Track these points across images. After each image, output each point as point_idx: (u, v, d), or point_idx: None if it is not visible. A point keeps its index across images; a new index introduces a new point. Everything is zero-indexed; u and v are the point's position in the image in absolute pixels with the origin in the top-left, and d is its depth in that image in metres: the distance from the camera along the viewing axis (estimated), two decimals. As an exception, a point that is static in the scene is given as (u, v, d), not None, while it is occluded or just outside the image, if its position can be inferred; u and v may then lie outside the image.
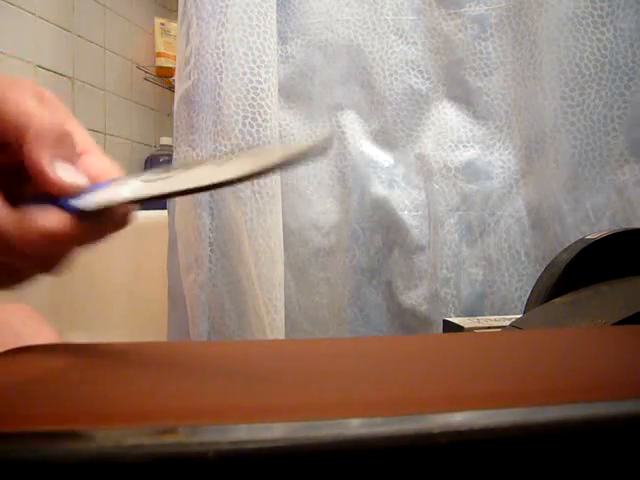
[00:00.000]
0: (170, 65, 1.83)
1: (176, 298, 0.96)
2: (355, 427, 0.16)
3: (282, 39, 0.98)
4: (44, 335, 0.36)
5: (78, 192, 0.25)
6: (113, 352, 0.26)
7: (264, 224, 0.88)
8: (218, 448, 0.15)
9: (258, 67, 0.89)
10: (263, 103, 0.89)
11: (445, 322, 0.68)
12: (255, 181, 0.88)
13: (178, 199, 0.95)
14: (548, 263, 0.56)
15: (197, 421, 0.17)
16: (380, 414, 0.17)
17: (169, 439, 0.16)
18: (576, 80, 0.84)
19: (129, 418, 0.17)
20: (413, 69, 0.95)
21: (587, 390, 0.20)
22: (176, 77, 0.97)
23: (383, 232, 0.95)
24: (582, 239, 0.54)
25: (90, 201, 0.25)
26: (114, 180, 0.28)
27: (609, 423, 0.17)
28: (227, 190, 0.89)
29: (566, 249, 0.55)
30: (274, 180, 0.90)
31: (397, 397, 0.19)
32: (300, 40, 0.98)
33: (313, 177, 0.98)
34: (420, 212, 0.94)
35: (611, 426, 0.17)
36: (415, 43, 0.95)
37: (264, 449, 0.15)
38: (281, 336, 0.88)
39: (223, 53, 0.89)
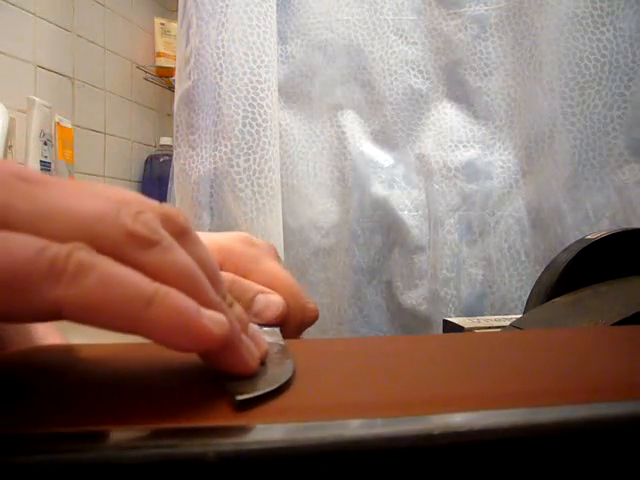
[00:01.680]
0: (170, 65, 1.83)
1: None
2: (355, 428, 0.16)
3: (282, 39, 0.98)
4: (50, 338, 0.37)
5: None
6: (115, 354, 0.26)
7: (264, 224, 0.88)
8: (218, 449, 0.15)
9: (258, 67, 0.89)
10: (263, 103, 0.89)
11: (445, 322, 0.68)
12: (255, 181, 0.89)
13: (177, 199, 0.95)
14: (548, 263, 0.56)
15: (196, 422, 0.17)
16: (379, 415, 0.17)
17: (168, 440, 0.16)
18: (576, 80, 0.84)
19: (128, 420, 0.17)
20: (413, 69, 0.95)
21: (587, 391, 0.20)
22: (176, 77, 0.98)
23: (383, 232, 0.95)
24: (582, 239, 0.54)
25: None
26: None
27: (609, 424, 0.17)
28: (227, 190, 0.89)
29: (566, 249, 0.55)
30: (274, 180, 0.90)
31: (396, 398, 0.19)
32: (300, 40, 0.98)
33: (313, 177, 0.98)
34: (420, 212, 0.94)
35: (612, 427, 0.17)
36: (415, 43, 0.95)
37: (264, 450, 0.15)
38: (281, 336, 0.88)
39: (223, 53, 0.89)
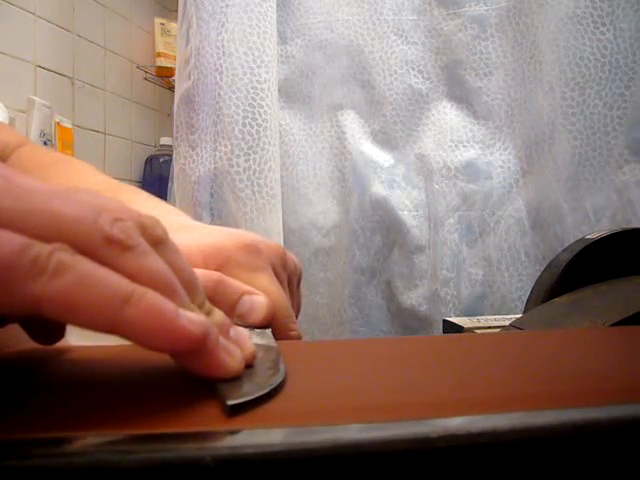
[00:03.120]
0: (170, 65, 1.83)
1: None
2: (353, 432, 0.16)
3: (282, 39, 0.98)
4: None
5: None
6: (112, 356, 0.26)
7: (264, 224, 0.88)
8: (216, 453, 0.15)
9: (258, 67, 0.89)
10: (263, 103, 0.89)
11: (445, 322, 0.68)
12: (255, 181, 0.89)
13: (177, 199, 0.95)
14: (548, 263, 0.56)
15: (194, 426, 0.17)
16: (378, 419, 0.17)
17: (166, 445, 0.16)
18: (576, 80, 0.84)
19: (124, 425, 0.17)
20: (413, 69, 0.95)
21: (586, 393, 0.20)
22: (176, 77, 0.98)
23: (383, 232, 0.95)
24: (582, 239, 0.54)
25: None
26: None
27: (608, 427, 0.17)
28: (227, 190, 0.89)
29: (566, 249, 0.55)
30: (274, 180, 0.90)
31: (395, 401, 0.19)
32: (300, 40, 0.98)
33: (313, 177, 0.98)
34: (420, 212, 0.94)
35: (610, 430, 0.17)
36: (415, 43, 0.95)
37: (262, 454, 0.15)
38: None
39: (223, 53, 0.89)
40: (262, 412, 0.18)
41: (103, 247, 0.19)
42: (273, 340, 0.28)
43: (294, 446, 0.15)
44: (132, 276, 0.19)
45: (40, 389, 0.22)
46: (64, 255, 0.18)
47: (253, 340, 0.24)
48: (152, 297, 0.19)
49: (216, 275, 0.32)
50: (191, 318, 0.19)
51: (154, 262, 0.20)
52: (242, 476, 0.15)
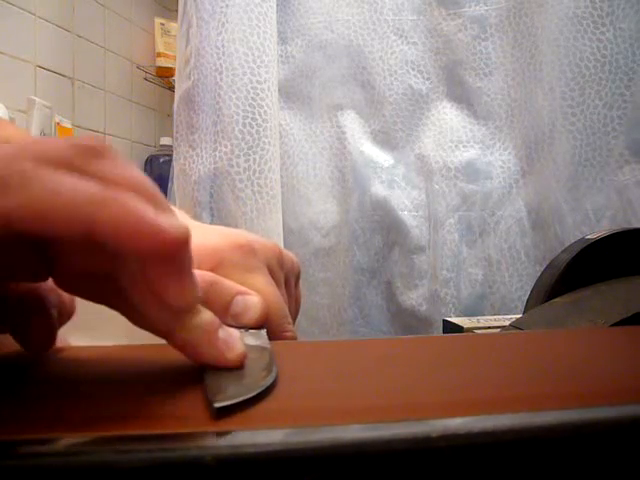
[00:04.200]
0: (170, 65, 1.83)
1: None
2: (353, 432, 0.16)
3: (282, 39, 0.98)
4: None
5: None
6: (110, 356, 0.26)
7: (264, 224, 0.88)
8: (216, 453, 0.15)
9: (258, 67, 0.89)
10: (263, 103, 0.89)
11: (445, 322, 0.68)
12: (255, 181, 0.89)
13: (177, 199, 0.95)
14: (548, 263, 0.56)
15: (194, 426, 0.17)
16: (378, 419, 0.17)
17: (166, 444, 0.16)
18: (576, 80, 0.84)
19: (124, 426, 0.17)
20: (413, 69, 0.95)
21: (586, 394, 0.20)
22: (176, 77, 0.98)
23: (383, 232, 0.95)
24: (582, 239, 0.54)
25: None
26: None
27: (608, 427, 0.17)
28: (227, 190, 0.89)
29: (566, 249, 0.55)
30: (274, 180, 0.90)
31: (395, 402, 0.19)
32: (300, 40, 0.98)
33: (313, 177, 0.98)
34: (420, 212, 0.94)
35: (610, 430, 0.17)
36: (415, 43, 0.95)
37: (262, 454, 0.15)
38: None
39: (223, 53, 0.89)
40: (261, 412, 0.18)
41: (75, 155, 0.18)
42: (267, 341, 0.28)
43: (294, 446, 0.15)
44: (111, 181, 0.18)
45: (40, 389, 0.22)
46: (26, 165, 0.17)
47: (247, 341, 0.24)
48: (131, 198, 0.18)
49: (209, 276, 0.32)
50: (171, 221, 0.19)
51: (131, 169, 0.19)
52: (242, 476, 0.15)
